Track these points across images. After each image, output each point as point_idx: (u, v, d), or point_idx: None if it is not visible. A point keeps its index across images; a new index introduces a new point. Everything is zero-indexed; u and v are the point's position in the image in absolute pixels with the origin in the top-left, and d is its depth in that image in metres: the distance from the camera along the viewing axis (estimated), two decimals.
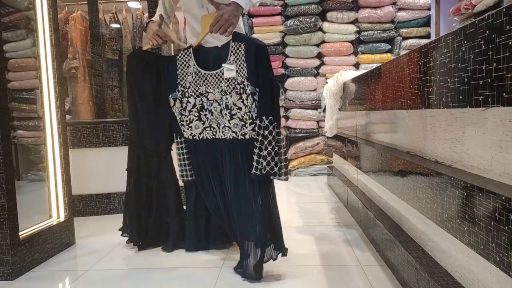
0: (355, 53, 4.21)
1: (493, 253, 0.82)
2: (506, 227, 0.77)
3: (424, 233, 1.38)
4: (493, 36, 0.79)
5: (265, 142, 1.50)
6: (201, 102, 1.67)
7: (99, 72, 3.92)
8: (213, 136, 1.69)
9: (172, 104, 1.72)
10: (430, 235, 1.33)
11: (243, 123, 1.56)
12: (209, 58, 1.65)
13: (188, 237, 1.91)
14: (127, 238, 2.03)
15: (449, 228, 1.04)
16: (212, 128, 1.68)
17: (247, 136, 1.56)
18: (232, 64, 1.54)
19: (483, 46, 0.83)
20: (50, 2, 1.95)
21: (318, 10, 4.09)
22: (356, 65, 4.23)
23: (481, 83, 0.84)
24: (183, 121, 1.73)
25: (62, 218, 2.03)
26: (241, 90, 1.54)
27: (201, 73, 1.64)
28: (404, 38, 4.21)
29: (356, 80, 2.26)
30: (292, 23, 4.05)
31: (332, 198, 3.03)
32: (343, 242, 1.98)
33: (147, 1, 3.15)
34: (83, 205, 2.71)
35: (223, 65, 1.55)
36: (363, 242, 1.97)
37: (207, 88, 1.64)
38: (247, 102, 1.53)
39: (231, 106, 1.58)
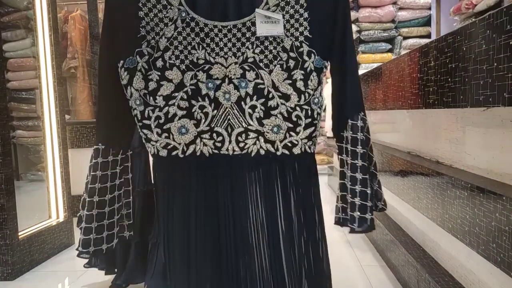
0: (356, 53, 4.21)
1: (494, 254, 0.81)
2: (506, 228, 0.76)
3: (425, 234, 1.38)
4: (494, 35, 0.79)
5: (358, 159, 0.85)
6: (194, 81, 0.83)
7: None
8: (216, 151, 0.85)
9: (125, 82, 0.83)
10: (430, 235, 1.33)
11: (291, 125, 0.84)
12: None
13: (150, 269, 1.12)
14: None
15: (449, 228, 1.03)
16: (215, 134, 0.85)
17: (296, 150, 0.85)
18: (275, 9, 0.81)
19: (484, 46, 0.83)
20: (49, 2, 1.95)
21: None
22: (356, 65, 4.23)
23: (481, 82, 0.84)
24: (149, 117, 0.84)
25: (61, 218, 2.03)
26: (293, 62, 0.83)
27: (199, 24, 0.82)
28: (405, 38, 4.21)
29: None
30: None
31: (333, 199, 3.02)
32: (343, 242, 1.98)
33: None
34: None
35: (257, 10, 0.81)
36: (364, 242, 1.96)
37: (210, 54, 0.83)
38: (306, 86, 0.83)
39: (267, 92, 0.83)
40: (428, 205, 1.18)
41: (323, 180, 3.76)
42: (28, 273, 1.72)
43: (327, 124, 2.88)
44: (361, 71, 2.37)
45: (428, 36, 4.21)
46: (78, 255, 1.07)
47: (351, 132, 0.86)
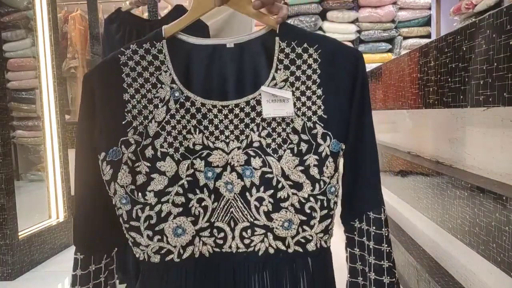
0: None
1: (494, 254, 0.81)
2: (506, 228, 0.76)
3: (425, 234, 1.38)
4: (494, 35, 0.79)
5: (374, 264, 0.73)
6: (191, 171, 0.70)
7: None
8: (217, 249, 0.73)
9: (108, 178, 0.68)
10: (430, 235, 1.33)
11: (304, 218, 0.71)
12: (216, 70, 0.72)
13: None
14: None
15: (449, 228, 1.03)
16: (215, 230, 0.72)
17: (310, 246, 0.72)
18: (284, 86, 0.70)
19: (484, 46, 0.83)
20: (49, 2, 1.95)
21: (319, 9, 4.08)
22: None
23: (481, 82, 0.84)
24: (137, 218, 0.69)
25: (61, 219, 2.03)
26: (306, 145, 0.70)
27: (195, 104, 0.70)
28: (405, 38, 4.21)
29: None
30: (292, 22, 4.05)
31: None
32: (343, 242, 1.98)
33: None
34: None
35: (262, 88, 0.69)
36: None
37: (209, 138, 0.70)
38: (321, 173, 0.70)
39: (276, 181, 0.70)
40: (428, 205, 1.18)
41: None
42: (28, 273, 1.72)
43: None
44: None
45: (428, 36, 4.21)
46: None
47: (373, 227, 0.72)
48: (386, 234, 0.71)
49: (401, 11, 4.14)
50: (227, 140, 0.69)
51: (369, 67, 4.02)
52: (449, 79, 1.00)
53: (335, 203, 0.71)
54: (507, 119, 0.86)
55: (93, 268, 0.72)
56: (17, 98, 4.07)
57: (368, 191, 0.72)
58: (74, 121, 3.25)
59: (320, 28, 4.14)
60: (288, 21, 0.71)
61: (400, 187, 1.46)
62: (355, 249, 0.75)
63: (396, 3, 4.13)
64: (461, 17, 2.75)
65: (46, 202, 2.01)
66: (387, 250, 0.71)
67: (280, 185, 0.69)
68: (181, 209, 0.68)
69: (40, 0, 1.93)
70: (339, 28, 4.12)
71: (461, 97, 0.94)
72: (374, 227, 0.71)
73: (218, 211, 0.70)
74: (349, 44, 4.15)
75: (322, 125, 0.69)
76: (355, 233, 0.74)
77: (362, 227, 0.73)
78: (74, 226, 0.72)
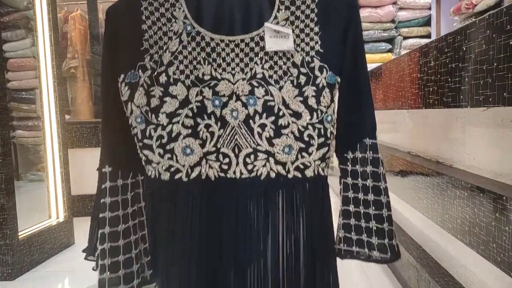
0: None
1: (494, 254, 0.81)
2: (506, 228, 0.76)
3: (425, 234, 1.38)
4: (494, 35, 0.79)
5: (372, 186, 0.79)
6: (200, 98, 0.76)
7: (98, 72, 3.92)
8: (222, 174, 0.76)
9: (125, 98, 0.75)
10: (430, 235, 1.33)
11: (303, 145, 0.76)
12: (224, 8, 0.79)
13: None
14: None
15: (449, 228, 1.03)
16: (221, 155, 0.76)
17: (308, 172, 0.77)
18: (285, 24, 0.76)
19: (484, 46, 0.83)
20: (49, 2, 1.95)
21: None
22: None
23: (481, 82, 0.84)
24: (150, 136, 0.75)
25: (61, 219, 2.03)
26: (305, 77, 0.76)
27: (205, 38, 0.77)
28: (405, 38, 4.21)
29: None
30: None
31: (332, 199, 3.02)
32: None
33: None
34: (82, 205, 2.71)
35: (266, 24, 0.76)
36: None
37: (216, 70, 0.76)
38: (318, 103, 0.76)
39: (278, 109, 0.76)
40: (428, 205, 1.18)
41: None
42: (28, 273, 1.72)
43: None
44: None
45: (428, 36, 4.21)
46: None
47: (371, 152, 0.79)
48: (382, 158, 0.78)
49: (401, 11, 4.14)
50: (233, 72, 0.76)
51: (369, 67, 4.02)
52: (449, 79, 1.00)
53: (332, 133, 0.77)
54: (507, 119, 0.86)
55: (121, 183, 0.77)
56: (17, 98, 4.06)
57: (367, 118, 0.80)
58: (74, 121, 3.25)
59: None
60: None
61: (400, 187, 1.46)
62: (348, 178, 0.82)
63: (396, 3, 4.13)
64: (461, 17, 2.75)
65: (46, 202, 2.01)
66: (384, 172, 0.78)
67: (281, 113, 0.75)
68: (190, 131, 0.75)
69: (40, 0, 1.93)
70: None
71: (461, 97, 0.94)
72: (371, 152, 0.79)
73: (224, 137, 0.76)
74: None
75: (319, 58, 0.76)
76: (348, 164, 0.81)
77: (356, 156, 0.80)
78: (103, 142, 0.79)
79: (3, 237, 1.62)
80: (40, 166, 3.76)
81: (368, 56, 4.19)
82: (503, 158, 0.88)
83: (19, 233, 1.71)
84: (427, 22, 4.22)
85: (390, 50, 4.22)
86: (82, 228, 2.39)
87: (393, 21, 4.15)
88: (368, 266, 1.65)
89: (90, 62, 4.02)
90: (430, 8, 4.19)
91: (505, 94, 0.75)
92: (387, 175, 1.60)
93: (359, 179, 0.80)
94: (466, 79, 0.91)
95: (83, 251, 1.34)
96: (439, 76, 1.07)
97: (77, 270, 1.75)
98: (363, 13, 4.11)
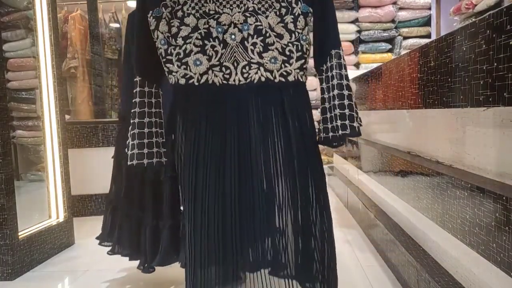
0: (356, 52, 4.21)
1: (494, 254, 0.81)
2: (506, 228, 0.76)
3: (425, 234, 1.38)
4: (494, 35, 0.79)
5: (343, 84, 1.03)
6: (207, 26, 1.03)
7: (98, 72, 3.92)
8: (225, 81, 1.02)
9: (153, 27, 1.03)
10: (430, 235, 1.33)
11: (285, 58, 1.02)
12: None
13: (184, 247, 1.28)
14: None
15: (449, 228, 1.03)
16: (223, 68, 1.03)
17: (290, 78, 1.02)
18: None
19: (484, 46, 0.83)
20: (49, 2, 1.95)
21: None
22: (357, 65, 4.23)
23: (481, 82, 0.84)
24: (171, 54, 1.03)
25: (61, 219, 2.03)
26: (284, 9, 1.03)
27: None
28: (405, 38, 4.21)
29: (356, 80, 2.25)
30: None
31: (333, 199, 3.03)
32: (343, 242, 1.98)
33: None
34: (82, 205, 2.71)
35: None
36: (364, 242, 1.96)
37: (219, 6, 1.04)
38: (295, 26, 1.02)
39: (265, 32, 1.03)
40: (428, 205, 1.18)
41: None
42: (28, 273, 1.72)
43: None
44: (361, 71, 2.38)
45: (428, 36, 4.21)
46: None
47: (336, 59, 1.04)
48: (345, 63, 1.05)
49: (401, 11, 4.14)
50: (231, 7, 1.04)
51: (369, 67, 4.04)
52: (449, 79, 1.00)
53: (307, 49, 1.03)
54: (507, 119, 0.86)
55: (147, 90, 1.10)
56: (17, 98, 4.07)
57: (333, 35, 1.06)
58: (74, 121, 3.25)
59: None
60: None
61: (400, 187, 1.46)
62: (323, 84, 1.06)
63: (396, 3, 4.13)
64: (461, 17, 2.75)
65: (46, 202, 2.01)
66: (346, 73, 1.04)
67: (268, 34, 1.03)
68: (199, 49, 1.02)
69: (40, 0, 1.93)
70: (339, 28, 4.12)
71: (461, 97, 0.94)
72: (336, 59, 1.04)
73: (225, 54, 1.03)
74: (349, 44, 4.16)
75: (300, 11, 1.03)
76: (323, 73, 1.06)
77: (327, 65, 1.05)
78: (135, 61, 1.12)
79: (3, 237, 1.62)
80: (40, 166, 3.76)
81: (368, 56, 4.20)
82: (503, 158, 0.88)
83: (19, 233, 1.71)
84: (427, 22, 4.22)
85: (390, 50, 4.23)
86: (82, 228, 2.39)
87: (393, 21, 4.15)
88: (368, 266, 1.65)
89: (90, 62, 4.02)
90: (430, 8, 4.18)
91: (505, 94, 0.75)
92: (387, 175, 1.61)
93: (329, 82, 1.05)
94: (466, 79, 0.91)
95: (97, 238, 1.55)
96: (439, 76, 1.07)
97: (77, 270, 1.75)
98: (363, 13, 4.12)
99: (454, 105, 0.98)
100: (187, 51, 1.03)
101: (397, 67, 1.46)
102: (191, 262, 1.06)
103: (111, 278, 1.65)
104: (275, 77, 1.02)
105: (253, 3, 1.04)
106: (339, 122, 1.02)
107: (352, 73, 2.58)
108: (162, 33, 1.03)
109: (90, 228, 2.41)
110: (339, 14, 4.11)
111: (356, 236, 2.06)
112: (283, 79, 1.02)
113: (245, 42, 1.03)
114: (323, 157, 4.30)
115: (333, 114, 1.03)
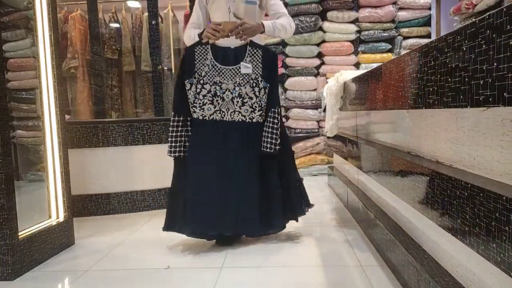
0: (356, 52, 4.21)
1: (494, 254, 0.81)
2: (506, 227, 0.76)
3: (425, 234, 1.38)
4: (494, 35, 0.79)
5: (274, 126, 1.98)
6: (215, 90, 1.98)
7: (98, 72, 3.92)
8: (221, 118, 1.99)
9: (188, 88, 1.97)
10: (430, 235, 1.33)
11: (252, 110, 1.99)
12: (226, 55, 2.00)
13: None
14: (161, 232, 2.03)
15: (449, 228, 1.03)
16: (221, 112, 1.99)
17: (254, 120, 2.00)
18: (248, 63, 1.99)
19: (484, 46, 0.83)
20: (49, 2, 1.95)
21: (319, 9, 4.08)
22: (357, 65, 4.23)
23: (481, 82, 0.84)
24: (196, 103, 1.98)
25: (61, 218, 2.03)
26: (254, 84, 1.98)
27: (217, 66, 1.98)
28: (405, 38, 4.21)
29: (356, 79, 2.25)
30: None
31: (333, 198, 3.02)
32: (343, 242, 1.98)
33: (146, 0, 3.14)
34: (82, 205, 2.71)
35: (241, 63, 1.98)
36: (364, 242, 1.96)
37: (222, 79, 1.97)
38: (259, 94, 1.99)
39: (243, 96, 1.98)
40: (428, 205, 1.18)
41: (323, 180, 3.76)
42: (28, 273, 1.72)
43: (327, 125, 2.88)
44: (361, 71, 2.38)
45: (428, 36, 4.21)
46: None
47: (274, 113, 2.01)
48: (278, 119, 2.01)
49: (401, 11, 4.14)
50: (227, 81, 1.99)
51: (369, 67, 4.03)
52: (449, 79, 1.00)
53: (264, 105, 1.99)
54: (507, 119, 0.86)
55: (180, 120, 2.01)
56: (17, 98, 4.07)
57: (274, 99, 2.02)
58: (74, 121, 3.25)
59: (320, 28, 4.14)
60: None
61: (400, 187, 1.46)
62: (266, 123, 2.00)
63: (396, 3, 4.12)
64: (461, 17, 2.75)
65: (46, 202, 2.01)
66: (277, 122, 1.99)
67: (245, 97, 1.99)
68: (210, 101, 1.99)
69: (40, 0, 1.93)
70: (339, 28, 4.12)
71: (461, 97, 0.94)
72: (274, 113, 1.99)
73: (223, 105, 1.99)
74: (349, 44, 4.16)
75: (261, 76, 2.00)
76: (268, 118, 2.00)
77: (270, 115, 2.00)
78: (173, 104, 2.05)
79: (3, 237, 1.62)
80: (40, 166, 3.76)
81: (368, 56, 4.20)
82: (503, 158, 0.88)
83: (19, 233, 1.71)
84: (427, 22, 4.22)
85: (390, 50, 4.23)
86: (82, 228, 2.39)
87: (393, 21, 4.15)
88: (368, 266, 1.65)
89: (90, 62, 4.02)
90: (430, 8, 4.18)
91: (505, 94, 0.75)
92: (387, 175, 1.61)
93: (269, 124, 1.99)
94: (466, 79, 0.91)
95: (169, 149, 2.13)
96: (439, 76, 1.07)
97: (77, 270, 1.75)
98: (363, 13, 4.12)
99: (454, 105, 0.98)
100: (204, 102, 1.98)
101: (397, 67, 1.45)
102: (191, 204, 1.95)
103: (111, 278, 1.65)
104: (246, 119, 2.00)
105: (240, 79, 1.98)
106: (268, 145, 1.97)
107: (352, 73, 2.58)
108: (192, 91, 1.97)
109: (90, 228, 2.41)
110: (339, 14, 4.10)
111: (356, 236, 2.06)
112: (250, 121, 2.00)
113: (233, 100, 1.99)
114: (323, 157, 4.30)
115: (267, 140, 1.98)
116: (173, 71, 4.21)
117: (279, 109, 1.99)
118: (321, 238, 2.07)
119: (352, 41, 4.19)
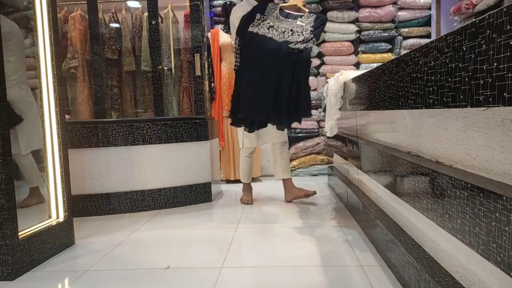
0: (356, 52, 4.21)
1: (494, 254, 0.81)
2: (506, 227, 0.76)
3: (425, 234, 1.38)
4: (494, 35, 0.79)
5: (306, 41, 2.50)
6: (273, 25, 2.58)
7: (98, 72, 3.91)
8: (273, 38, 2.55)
9: (257, 18, 2.61)
10: (430, 235, 1.33)
11: (297, 41, 2.49)
12: (288, 14, 2.68)
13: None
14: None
15: (449, 228, 1.03)
16: (274, 35, 2.55)
17: (296, 46, 2.46)
18: (303, 21, 2.60)
19: (484, 46, 0.83)
20: (49, 2, 1.95)
21: (319, 9, 4.08)
22: (357, 65, 4.23)
23: (481, 82, 0.84)
24: (258, 25, 2.58)
25: (61, 218, 2.03)
26: (303, 31, 2.54)
27: (280, 18, 2.63)
28: (405, 38, 4.21)
29: (356, 79, 2.25)
30: None
31: (333, 199, 3.02)
32: (343, 242, 1.98)
33: (146, 0, 3.14)
34: (82, 205, 2.71)
35: (298, 18, 2.63)
36: (364, 242, 1.96)
37: (280, 24, 2.59)
38: (305, 35, 2.51)
39: (294, 32, 2.54)
40: (428, 205, 1.18)
41: (323, 180, 3.76)
42: (28, 273, 1.72)
43: (327, 124, 2.88)
44: (361, 71, 2.38)
45: (428, 36, 4.21)
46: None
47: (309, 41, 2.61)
48: (308, 43, 2.58)
49: (401, 11, 4.14)
50: (284, 25, 2.62)
51: (369, 67, 4.02)
52: (449, 79, 1.00)
53: (306, 40, 2.52)
54: (507, 119, 0.86)
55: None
56: None
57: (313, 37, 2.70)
58: (74, 121, 3.25)
59: None
60: None
61: (400, 187, 1.46)
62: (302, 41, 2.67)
63: (396, 3, 4.13)
64: (461, 17, 2.75)
65: (46, 202, 2.01)
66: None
67: (295, 33, 2.56)
68: (267, 28, 2.66)
69: (40, 0, 1.93)
70: (339, 28, 4.12)
71: (461, 97, 0.94)
72: (305, 41, 2.58)
73: (275, 33, 2.61)
74: (349, 44, 4.16)
75: (310, 28, 2.57)
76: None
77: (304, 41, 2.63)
78: (238, 29, 2.66)
79: (3, 237, 1.62)
80: (40, 166, 3.76)
81: (368, 56, 4.20)
82: (503, 158, 0.88)
83: (19, 233, 1.71)
84: (427, 22, 4.22)
85: (390, 50, 4.23)
86: (82, 228, 2.39)
87: (393, 21, 4.15)
88: (368, 266, 1.65)
89: (90, 62, 4.02)
90: (430, 8, 4.18)
91: (505, 94, 0.75)
92: (387, 175, 1.61)
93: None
94: (466, 79, 0.91)
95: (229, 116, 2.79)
96: (439, 76, 1.07)
97: (77, 270, 1.75)
98: (363, 13, 4.12)
99: (454, 105, 0.98)
100: (264, 27, 2.58)
101: (397, 67, 1.46)
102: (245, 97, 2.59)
103: (111, 278, 1.65)
104: (292, 45, 2.47)
105: (296, 27, 2.57)
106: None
107: (352, 73, 2.58)
108: (258, 20, 2.61)
109: (90, 228, 2.41)
110: (339, 14, 4.10)
111: (356, 236, 2.06)
112: (293, 45, 2.46)
113: (285, 32, 2.54)
114: (323, 157, 4.30)
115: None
116: (173, 71, 4.21)
117: (313, 41, 2.55)
118: (321, 238, 2.07)
119: (352, 41, 4.19)
